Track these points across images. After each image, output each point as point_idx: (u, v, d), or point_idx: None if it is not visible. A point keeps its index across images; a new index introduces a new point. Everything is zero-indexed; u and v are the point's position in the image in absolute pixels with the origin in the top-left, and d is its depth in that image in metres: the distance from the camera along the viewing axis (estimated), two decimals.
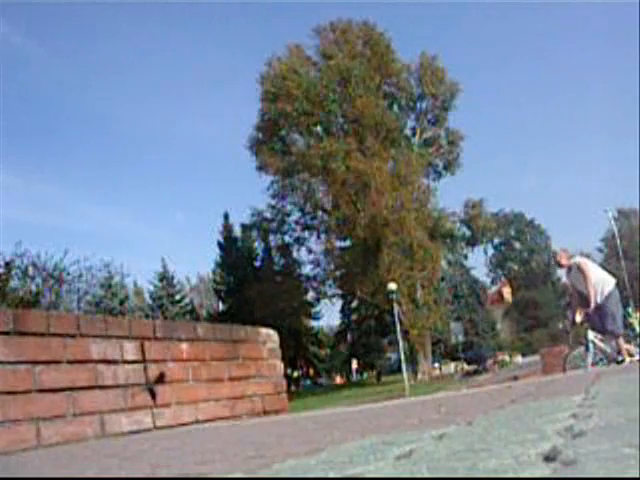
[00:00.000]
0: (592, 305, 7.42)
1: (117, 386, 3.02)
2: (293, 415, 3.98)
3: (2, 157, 60.93)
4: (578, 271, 7.61)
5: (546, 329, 60.92)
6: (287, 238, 42.59)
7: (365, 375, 57.21)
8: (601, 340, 7.55)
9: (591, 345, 7.47)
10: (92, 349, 2.93)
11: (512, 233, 76.10)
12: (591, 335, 7.50)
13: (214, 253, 50.61)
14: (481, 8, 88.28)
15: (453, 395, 3.58)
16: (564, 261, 7.86)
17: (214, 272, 50.85)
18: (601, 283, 7.49)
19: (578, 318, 7.66)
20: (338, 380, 56.35)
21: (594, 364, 7.32)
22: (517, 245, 77.27)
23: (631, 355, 7.34)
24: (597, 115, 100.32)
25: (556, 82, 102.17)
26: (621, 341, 7.42)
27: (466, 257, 50.03)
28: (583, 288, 7.51)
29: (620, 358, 7.23)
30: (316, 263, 41.11)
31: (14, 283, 25.63)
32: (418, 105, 41.40)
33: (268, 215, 41.43)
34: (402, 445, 1.10)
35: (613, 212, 56.39)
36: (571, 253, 8.23)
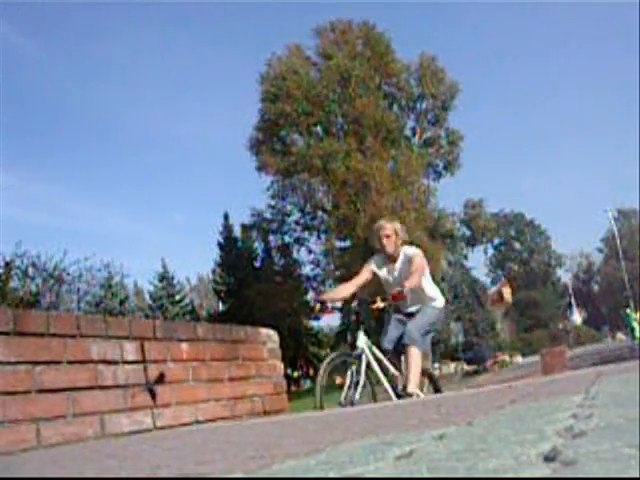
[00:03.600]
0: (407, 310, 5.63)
1: (117, 386, 3.02)
2: (293, 415, 3.97)
3: (2, 157, 60.94)
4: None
5: (546, 329, 60.98)
6: (287, 238, 42.56)
7: None
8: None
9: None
10: (92, 349, 2.93)
11: (512, 233, 76.11)
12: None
13: (214, 253, 50.59)
14: (482, 7, 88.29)
15: (453, 395, 3.58)
16: (390, 244, 5.53)
17: (214, 272, 50.79)
18: None
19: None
20: (338, 380, 56.22)
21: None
22: (517, 245, 77.25)
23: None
24: (597, 115, 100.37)
25: (556, 81, 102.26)
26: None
27: (466, 257, 50.13)
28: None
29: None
30: (316, 263, 41.12)
31: (14, 283, 25.62)
32: (418, 105, 41.38)
33: (268, 215, 41.43)
34: (402, 445, 1.10)
35: (613, 212, 56.46)
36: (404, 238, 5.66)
